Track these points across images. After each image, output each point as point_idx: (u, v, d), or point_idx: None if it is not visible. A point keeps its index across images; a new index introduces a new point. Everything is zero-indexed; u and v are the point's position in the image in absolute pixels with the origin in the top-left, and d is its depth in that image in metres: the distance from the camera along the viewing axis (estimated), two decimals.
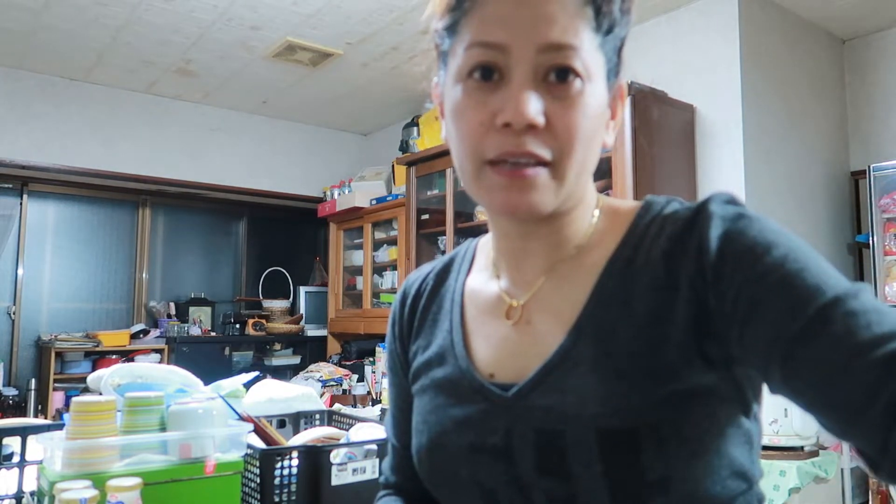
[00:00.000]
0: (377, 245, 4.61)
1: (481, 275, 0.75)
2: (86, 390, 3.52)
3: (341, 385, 4.24)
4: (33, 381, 4.33)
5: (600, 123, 0.63)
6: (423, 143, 4.00)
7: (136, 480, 0.99)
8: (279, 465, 1.26)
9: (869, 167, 3.21)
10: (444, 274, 0.79)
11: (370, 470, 1.33)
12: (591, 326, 0.62)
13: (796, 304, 0.52)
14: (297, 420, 1.69)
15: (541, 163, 0.59)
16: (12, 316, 4.54)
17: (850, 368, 0.48)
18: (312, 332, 5.13)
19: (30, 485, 1.30)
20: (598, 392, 0.59)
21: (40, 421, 1.84)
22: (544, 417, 0.61)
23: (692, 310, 0.58)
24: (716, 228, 0.58)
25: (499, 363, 0.68)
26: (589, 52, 0.59)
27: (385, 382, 3.80)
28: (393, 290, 4.40)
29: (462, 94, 0.61)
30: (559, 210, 0.64)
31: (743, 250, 0.56)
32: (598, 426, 0.58)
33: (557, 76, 0.58)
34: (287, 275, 5.57)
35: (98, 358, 4.46)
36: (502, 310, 0.70)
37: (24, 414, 4.12)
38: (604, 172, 2.83)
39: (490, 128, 0.59)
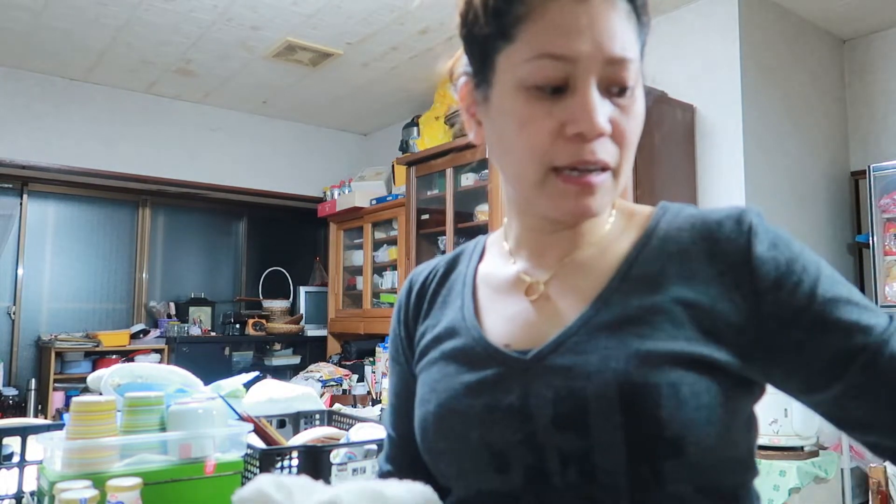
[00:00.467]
0: (377, 245, 4.61)
1: (494, 262, 0.77)
2: (86, 390, 3.52)
3: (341, 385, 4.24)
4: (33, 381, 4.34)
5: (641, 129, 0.67)
6: (423, 143, 4.00)
7: (136, 480, 0.99)
8: (279, 465, 1.26)
9: (869, 167, 3.21)
10: (453, 263, 0.81)
11: (370, 470, 1.33)
12: (615, 299, 0.64)
13: (859, 328, 0.58)
14: (297, 420, 1.69)
15: (606, 168, 0.63)
16: (12, 316, 4.54)
17: None
18: (312, 332, 5.13)
19: (30, 485, 1.30)
20: (621, 352, 0.60)
21: (40, 421, 1.84)
22: (565, 375, 0.62)
23: (727, 307, 0.61)
24: (761, 244, 0.61)
25: (514, 334, 0.69)
26: (637, 61, 0.63)
27: (385, 383, 3.80)
28: (393, 291, 4.40)
29: (524, 103, 0.62)
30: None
31: (795, 273, 0.60)
32: (619, 381, 0.59)
33: (619, 89, 0.62)
34: (287, 275, 5.57)
35: (98, 358, 4.46)
36: (520, 288, 0.72)
37: (24, 414, 4.13)
38: None
39: (559, 136, 0.61)
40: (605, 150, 0.61)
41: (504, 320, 0.71)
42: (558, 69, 0.60)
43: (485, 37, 0.64)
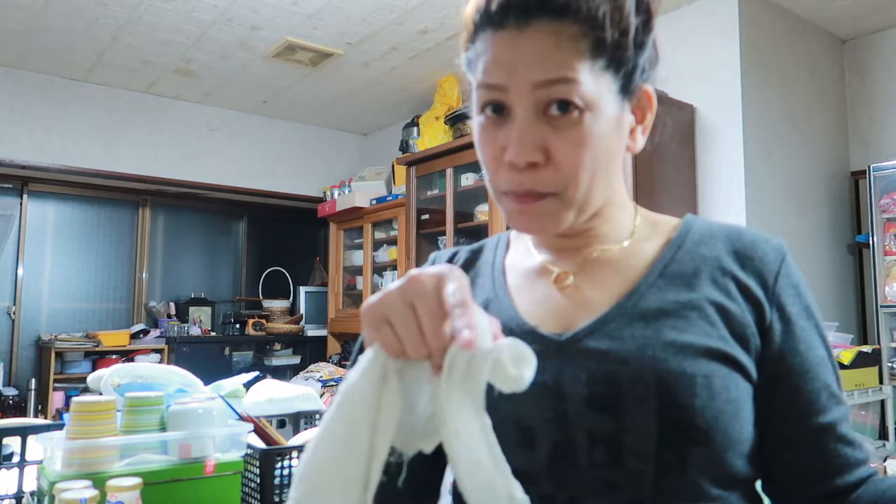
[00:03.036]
0: (377, 245, 4.61)
1: (520, 254, 0.78)
2: (86, 390, 3.52)
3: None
4: (33, 381, 4.34)
5: (612, 144, 0.66)
6: (423, 143, 4.00)
7: (136, 480, 0.99)
8: (279, 465, 1.26)
9: (869, 167, 3.21)
10: (477, 251, 0.83)
11: None
12: (651, 293, 0.67)
13: (830, 392, 0.66)
14: (297, 420, 1.69)
15: (543, 195, 0.64)
16: (12, 316, 4.54)
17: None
18: (312, 332, 5.13)
19: (30, 485, 1.30)
20: (657, 341, 0.63)
21: (40, 421, 1.84)
22: (600, 358, 0.64)
23: (751, 319, 0.66)
24: (792, 276, 0.68)
25: (543, 316, 0.70)
26: (589, 81, 0.61)
27: None
28: None
29: (480, 128, 0.67)
30: (583, 215, 0.67)
31: (803, 317, 0.67)
32: (656, 368, 0.61)
33: (559, 107, 0.62)
34: (287, 275, 5.57)
35: (98, 358, 4.46)
36: (547, 276, 0.73)
37: (24, 414, 4.13)
38: None
39: (501, 162, 0.64)
40: (538, 180, 0.63)
41: (533, 303, 0.72)
42: (493, 96, 0.64)
43: (464, 73, 0.71)
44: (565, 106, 0.61)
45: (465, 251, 0.84)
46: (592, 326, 0.66)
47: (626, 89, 0.65)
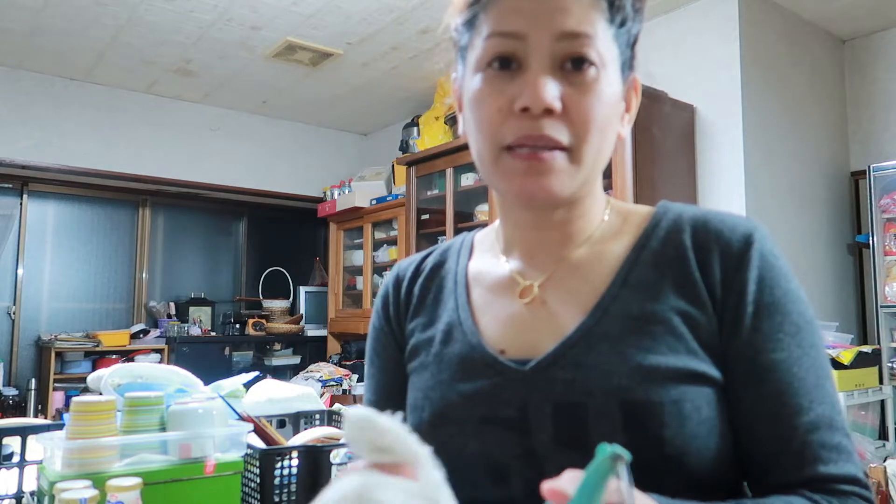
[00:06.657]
0: (377, 245, 4.61)
1: (486, 260, 0.75)
2: (86, 390, 3.51)
3: (341, 385, 4.23)
4: (33, 381, 4.33)
5: (615, 112, 0.65)
6: (423, 143, 4.00)
7: (136, 480, 0.99)
8: (279, 465, 1.26)
9: (869, 167, 3.21)
10: (441, 259, 0.79)
11: None
12: (616, 308, 0.64)
13: (786, 402, 0.60)
14: (297, 420, 1.69)
15: (558, 147, 0.61)
16: (12, 316, 4.54)
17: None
18: (312, 332, 5.13)
19: (30, 485, 1.30)
20: (623, 367, 0.60)
21: (40, 421, 1.84)
22: (565, 390, 0.61)
23: (715, 321, 0.62)
24: (752, 271, 0.62)
25: (509, 339, 0.67)
26: (603, 42, 0.62)
27: None
28: None
29: (481, 83, 0.63)
30: (573, 197, 0.65)
31: (761, 318, 0.61)
32: (622, 398, 0.59)
33: (573, 64, 0.61)
34: (287, 275, 5.57)
35: (98, 358, 4.46)
36: (514, 290, 0.70)
37: (24, 414, 4.12)
38: (604, 172, 2.82)
39: (509, 114, 0.61)
40: (554, 128, 0.60)
41: (499, 324, 0.69)
42: (507, 46, 0.61)
43: (459, 28, 0.68)
44: (580, 62, 0.61)
45: (431, 259, 0.80)
46: (556, 353, 0.63)
47: (626, 67, 0.66)
